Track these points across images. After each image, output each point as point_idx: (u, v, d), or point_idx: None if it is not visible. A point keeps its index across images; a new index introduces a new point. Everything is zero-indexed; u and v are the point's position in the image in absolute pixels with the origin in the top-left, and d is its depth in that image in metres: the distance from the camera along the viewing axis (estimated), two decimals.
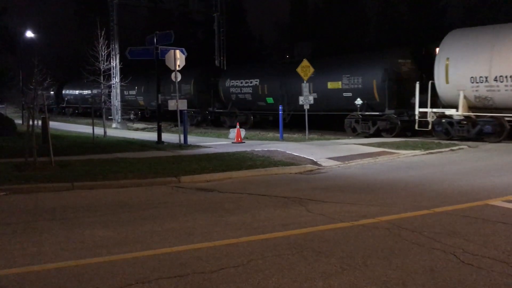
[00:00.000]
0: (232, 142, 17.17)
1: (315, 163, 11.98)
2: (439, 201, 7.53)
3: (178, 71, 15.98)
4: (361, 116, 20.14)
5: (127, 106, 34.36)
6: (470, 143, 15.72)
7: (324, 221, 6.48)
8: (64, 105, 48.98)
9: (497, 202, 7.35)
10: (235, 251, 5.31)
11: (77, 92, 45.98)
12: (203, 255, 5.22)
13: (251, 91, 25.85)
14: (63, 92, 48.89)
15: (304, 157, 12.62)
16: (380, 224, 6.29)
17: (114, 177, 10.00)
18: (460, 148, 14.51)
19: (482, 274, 4.49)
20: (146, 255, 5.24)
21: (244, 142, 17.09)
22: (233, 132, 18.17)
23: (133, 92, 35.01)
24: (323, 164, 11.89)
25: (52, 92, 45.77)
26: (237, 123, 18.94)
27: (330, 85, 21.28)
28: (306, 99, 18.40)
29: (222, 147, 15.41)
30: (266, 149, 14.19)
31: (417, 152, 13.63)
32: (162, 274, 4.67)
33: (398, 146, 14.75)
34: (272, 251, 5.28)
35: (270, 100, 24.74)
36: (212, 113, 29.21)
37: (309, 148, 14.72)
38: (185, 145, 15.89)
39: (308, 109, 18.71)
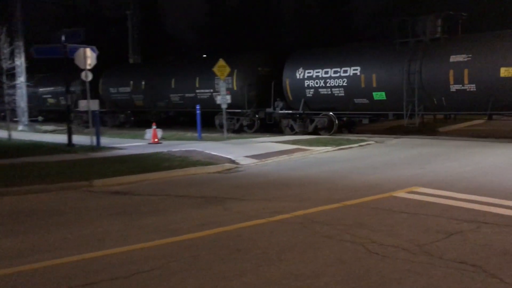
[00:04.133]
0: (148, 143, 16.79)
1: (233, 161, 12.06)
2: (349, 194, 7.91)
3: None
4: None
5: (116, 107, 27.56)
6: (376, 138, 16.69)
7: (241, 219, 6.55)
8: None
9: (401, 194, 7.87)
10: (150, 255, 5.21)
11: None
12: (116, 260, 5.06)
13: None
14: None
15: (223, 156, 12.67)
16: (295, 219, 6.48)
17: (20, 182, 9.38)
18: (368, 144, 15.35)
19: (387, 262, 4.79)
20: (55, 264, 4.98)
21: (161, 143, 16.78)
22: (149, 133, 17.75)
23: (126, 90, 26.96)
24: (241, 162, 12.01)
25: None
26: (153, 123, 18.54)
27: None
28: (223, 99, 18.46)
29: (137, 149, 15.03)
30: (184, 149, 14.05)
31: (329, 148, 14.22)
32: (72, 283, 4.47)
33: (311, 143, 15.28)
34: (188, 252, 5.24)
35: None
36: (272, 116, 20.65)
37: (227, 147, 14.80)
38: (97, 147, 15.27)
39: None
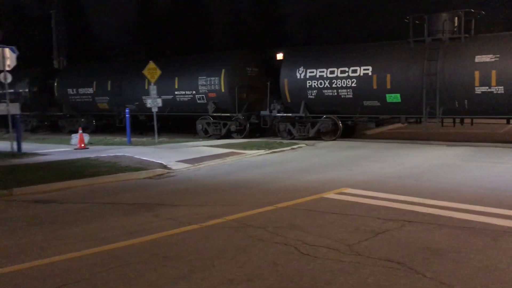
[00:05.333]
0: (75, 149, 16.07)
1: (164, 166, 11.82)
2: (281, 197, 8.00)
3: None
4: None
5: (75, 111, 25.10)
6: (307, 141, 17.06)
7: (173, 225, 6.41)
8: None
9: (331, 195, 8.07)
10: (76, 266, 4.95)
11: None
12: (39, 273, 4.76)
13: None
14: None
15: (153, 161, 12.37)
16: (228, 223, 6.44)
17: None
18: (299, 147, 15.65)
19: (318, 262, 4.87)
20: None
21: (88, 148, 16.13)
22: (75, 138, 17.01)
23: (88, 91, 24.31)
24: (173, 167, 11.79)
25: None
26: (79, 128, 17.79)
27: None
28: (154, 102, 18.08)
29: (63, 155, 14.32)
30: (112, 155, 13.57)
31: (262, 151, 14.34)
32: None
33: (244, 146, 15.34)
34: (117, 262, 5.04)
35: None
36: (267, 119, 19.22)
37: (158, 151, 14.48)
38: (19, 154, 14.40)
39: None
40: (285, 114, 18.22)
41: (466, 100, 14.80)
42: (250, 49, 21.93)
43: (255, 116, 19.49)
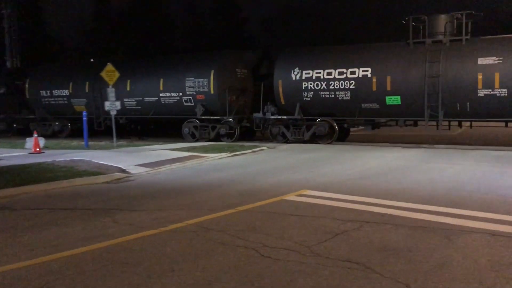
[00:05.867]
0: (29, 153, 15.52)
1: (123, 171, 11.59)
2: (242, 199, 7.99)
3: None
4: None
5: (49, 113, 23.54)
6: (269, 144, 17.15)
7: (132, 231, 6.28)
8: None
9: (291, 197, 8.14)
10: (29, 274, 4.77)
11: None
12: None
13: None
14: None
15: (112, 165, 12.11)
16: (188, 227, 6.38)
17: None
18: (261, 149, 15.71)
19: (279, 264, 4.89)
20: None
21: (44, 152, 15.61)
22: (30, 142, 16.44)
23: (63, 93, 23.01)
24: (132, 171, 11.58)
25: None
26: (35, 131, 17.21)
27: None
28: (113, 105, 17.70)
29: (16, 159, 13.79)
30: (69, 159, 13.19)
31: (223, 154, 14.30)
32: None
33: (206, 150, 15.26)
34: (73, 269, 4.89)
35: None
36: (259, 122, 18.75)
37: (117, 155, 14.19)
38: None
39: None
40: (279, 117, 17.77)
41: (468, 103, 14.77)
42: (237, 49, 20.95)
43: (246, 119, 18.99)
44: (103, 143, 19.36)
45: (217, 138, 19.02)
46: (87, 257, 5.26)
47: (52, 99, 23.29)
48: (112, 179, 10.77)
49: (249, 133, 19.74)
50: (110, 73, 17.66)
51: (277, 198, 8.03)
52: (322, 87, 16.78)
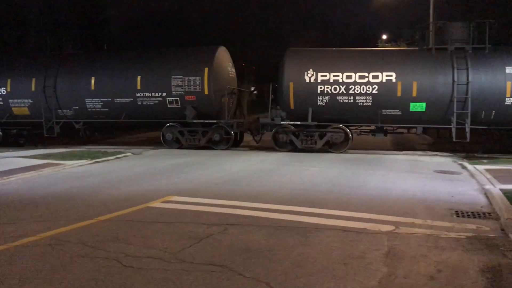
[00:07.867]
0: None
1: None
2: (103, 209, 7.61)
3: None
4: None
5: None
6: (134, 150, 16.63)
7: None
8: None
9: (157, 204, 7.97)
10: None
11: None
12: None
13: None
14: None
15: None
16: (42, 241, 5.87)
17: None
18: (125, 156, 15.15)
19: (142, 274, 4.75)
20: None
21: None
22: None
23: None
24: None
25: None
26: None
27: None
28: None
29: None
30: None
31: (84, 162, 13.49)
32: None
33: (64, 156, 14.25)
34: None
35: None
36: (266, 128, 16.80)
37: None
38: None
39: None
40: (292, 123, 16.17)
41: (494, 111, 14.88)
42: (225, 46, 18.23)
43: (248, 123, 17.34)
44: None
45: (208, 145, 17.20)
46: None
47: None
48: None
49: (238, 139, 18.09)
50: None
51: (142, 206, 7.81)
52: (341, 91, 15.68)
